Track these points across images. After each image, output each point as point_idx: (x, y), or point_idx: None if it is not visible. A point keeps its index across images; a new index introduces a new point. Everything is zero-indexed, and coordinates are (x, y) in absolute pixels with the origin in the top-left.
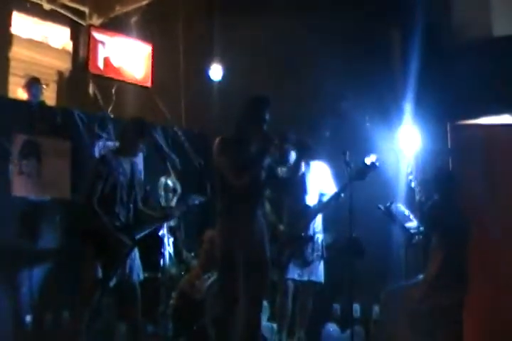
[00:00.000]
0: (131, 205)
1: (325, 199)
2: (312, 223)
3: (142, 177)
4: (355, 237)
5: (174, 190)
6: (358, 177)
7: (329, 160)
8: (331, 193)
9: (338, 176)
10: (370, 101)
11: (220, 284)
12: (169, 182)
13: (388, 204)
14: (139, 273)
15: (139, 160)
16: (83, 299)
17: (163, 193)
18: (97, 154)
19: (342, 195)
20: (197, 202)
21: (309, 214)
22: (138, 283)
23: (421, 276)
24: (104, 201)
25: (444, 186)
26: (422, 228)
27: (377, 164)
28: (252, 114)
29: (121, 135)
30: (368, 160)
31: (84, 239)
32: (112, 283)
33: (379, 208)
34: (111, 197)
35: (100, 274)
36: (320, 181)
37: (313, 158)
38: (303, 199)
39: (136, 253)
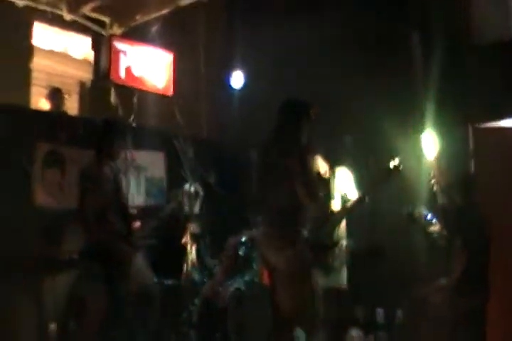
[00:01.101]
0: (122, 210)
1: (348, 204)
2: (336, 229)
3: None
4: (377, 242)
5: (196, 196)
6: (381, 180)
7: (351, 165)
8: (354, 198)
9: (360, 181)
10: (392, 104)
11: None
12: (192, 189)
13: (411, 208)
14: (150, 277)
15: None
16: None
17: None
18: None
19: (366, 199)
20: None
21: (333, 220)
22: (154, 287)
23: (443, 281)
24: (98, 213)
25: (466, 191)
26: (444, 232)
27: (400, 167)
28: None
29: (97, 141)
30: (392, 164)
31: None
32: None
33: (402, 212)
34: (102, 208)
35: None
36: (343, 186)
37: (337, 164)
38: (327, 206)
39: (140, 259)
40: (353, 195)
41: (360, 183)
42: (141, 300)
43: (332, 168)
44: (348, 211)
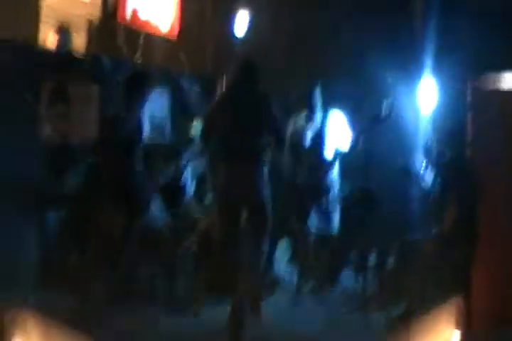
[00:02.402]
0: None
1: (342, 148)
2: (330, 173)
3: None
4: (370, 188)
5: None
6: (375, 122)
7: (348, 112)
8: (348, 142)
9: (355, 127)
10: (392, 55)
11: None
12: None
13: (406, 157)
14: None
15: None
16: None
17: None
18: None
19: (360, 142)
20: None
21: (328, 163)
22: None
23: (434, 230)
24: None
25: (459, 145)
26: (437, 183)
27: (393, 111)
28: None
29: (125, 89)
30: (384, 106)
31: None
32: (137, 231)
33: (397, 160)
34: (128, 151)
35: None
36: (337, 131)
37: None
38: (321, 149)
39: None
40: (347, 139)
41: (355, 126)
42: (152, 235)
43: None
44: (342, 154)
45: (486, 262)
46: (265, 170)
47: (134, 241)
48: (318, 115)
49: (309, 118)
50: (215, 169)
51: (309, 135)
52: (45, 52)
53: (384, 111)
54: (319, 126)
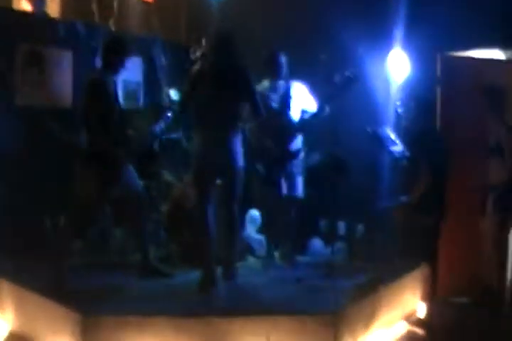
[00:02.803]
0: (120, 124)
1: (307, 116)
2: (296, 139)
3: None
4: (339, 157)
5: (173, 102)
6: (341, 89)
7: (316, 79)
8: (312, 110)
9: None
10: (362, 27)
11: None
12: (171, 93)
13: (375, 127)
14: (135, 183)
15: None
16: (77, 214)
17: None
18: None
19: (324, 111)
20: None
21: (295, 129)
22: (139, 191)
23: (404, 198)
24: (100, 120)
25: (424, 113)
26: (406, 152)
27: (355, 78)
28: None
29: (103, 56)
30: (346, 74)
31: (83, 157)
32: (112, 195)
33: (366, 131)
34: (106, 117)
35: (95, 190)
36: (301, 99)
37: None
38: (287, 116)
39: (129, 165)
40: (311, 107)
41: (319, 95)
42: (130, 202)
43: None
44: (309, 120)
45: (452, 231)
46: (240, 138)
47: (109, 204)
48: (284, 81)
49: (275, 84)
50: (190, 136)
51: (275, 101)
52: (18, 16)
53: (352, 79)
54: (285, 92)
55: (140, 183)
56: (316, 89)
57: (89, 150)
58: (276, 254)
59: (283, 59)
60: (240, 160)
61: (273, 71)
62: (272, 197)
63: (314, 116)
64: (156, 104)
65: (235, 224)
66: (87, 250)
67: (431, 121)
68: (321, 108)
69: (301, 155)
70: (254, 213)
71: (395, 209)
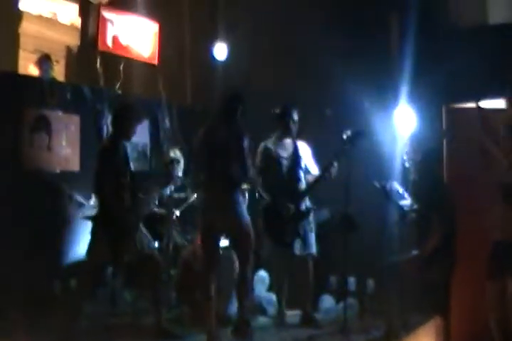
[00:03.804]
0: (130, 188)
1: (311, 178)
2: (307, 197)
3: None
4: (349, 213)
5: (177, 162)
6: (348, 145)
7: (322, 137)
8: (314, 172)
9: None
10: (368, 82)
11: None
12: (172, 154)
13: (383, 182)
14: (149, 245)
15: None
16: (87, 275)
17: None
18: (104, 129)
19: (335, 164)
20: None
21: (306, 188)
22: (153, 253)
23: (415, 252)
24: (111, 187)
25: (431, 167)
26: (414, 206)
27: (363, 132)
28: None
29: (114, 122)
30: (345, 135)
31: (95, 221)
32: (124, 258)
33: (374, 185)
34: (116, 183)
35: (106, 254)
36: (307, 159)
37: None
38: (298, 175)
39: (141, 227)
40: (313, 169)
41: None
42: (144, 264)
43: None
44: (319, 179)
45: (464, 283)
46: (243, 198)
47: (121, 267)
48: (291, 140)
49: (283, 141)
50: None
51: (283, 160)
52: (26, 81)
53: (360, 135)
54: (293, 150)
55: (154, 246)
56: (321, 145)
57: (102, 215)
58: (288, 313)
59: (296, 116)
60: (247, 220)
61: (285, 128)
62: (284, 257)
63: (320, 177)
64: (162, 165)
65: (246, 284)
66: (97, 312)
67: (438, 174)
68: (329, 164)
69: (313, 213)
70: (263, 273)
71: (406, 263)
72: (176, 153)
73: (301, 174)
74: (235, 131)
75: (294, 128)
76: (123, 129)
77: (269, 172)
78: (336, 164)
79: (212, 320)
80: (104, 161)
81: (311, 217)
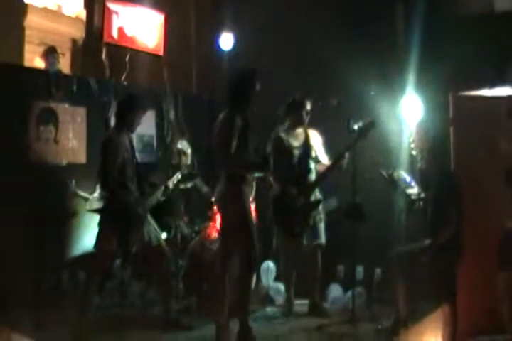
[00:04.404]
0: (136, 180)
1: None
2: (316, 187)
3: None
4: (357, 202)
5: (184, 153)
6: (359, 136)
7: (330, 129)
8: (324, 161)
9: (336, 143)
10: (375, 70)
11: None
12: (180, 146)
13: (390, 171)
14: (157, 236)
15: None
16: (95, 267)
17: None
18: (111, 121)
19: (346, 155)
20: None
21: (316, 180)
22: (162, 245)
23: (426, 241)
24: (116, 178)
25: (439, 155)
26: (422, 194)
27: (373, 123)
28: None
29: (118, 113)
30: (356, 126)
31: (102, 213)
32: (132, 250)
33: (382, 174)
34: (122, 174)
35: (115, 246)
36: (318, 149)
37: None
38: (308, 165)
39: (149, 219)
40: (323, 158)
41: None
42: (152, 255)
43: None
44: (329, 169)
45: (471, 272)
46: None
47: (129, 258)
48: (302, 129)
49: (294, 131)
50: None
51: (295, 150)
52: (32, 75)
53: (370, 125)
54: (305, 140)
55: (161, 237)
56: (327, 135)
57: (108, 207)
58: (296, 302)
59: (309, 105)
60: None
61: (298, 117)
62: (293, 247)
63: (331, 169)
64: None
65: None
66: (106, 304)
67: (446, 162)
68: (343, 153)
69: (321, 203)
70: (270, 263)
71: (420, 252)
72: (183, 144)
73: (312, 164)
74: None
75: (306, 117)
76: (127, 120)
77: (280, 161)
78: (347, 155)
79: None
80: (109, 153)
81: (321, 207)
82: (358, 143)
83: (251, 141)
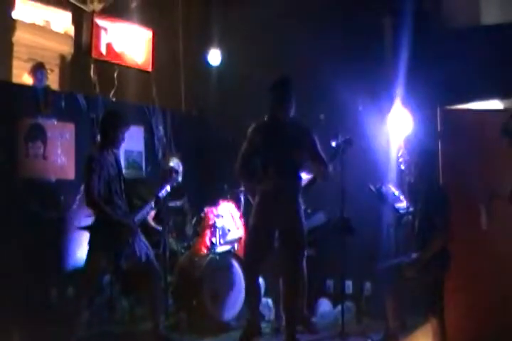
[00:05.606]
0: (124, 195)
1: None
2: None
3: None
4: (346, 217)
5: (176, 171)
6: (335, 153)
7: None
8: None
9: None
10: (362, 85)
11: None
12: (171, 164)
13: (379, 185)
14: (147, 252)
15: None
16: (85, 284)
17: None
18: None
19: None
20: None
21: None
22: (152, 261)
23: (414, 255)
24: (103, 194)
25: (427, 169)
26: (410, 208)
27: (350, 141)
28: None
29: (101, 130)
30: (343, 138)
31: (91, 230)
32: (123, 267)
33: (370, 189)
34: (107, 190)
35: (104, 262)
36: None
37: None
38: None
39: (139, 235)
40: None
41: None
42: (142, 271)
43: None
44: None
45: (459, 285)
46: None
47: (119, 274)
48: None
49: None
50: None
51: None
52: (20, 91)
53: (347, 143)
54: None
55: (152, 252)
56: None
57: (97, 224)
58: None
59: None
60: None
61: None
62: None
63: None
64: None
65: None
66: (95, 320)
67: (434, 176)
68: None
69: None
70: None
71: (408, 266)
72: (174, 162)
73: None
74: (296, 121)
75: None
76: (110, 137)
77: None
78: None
79: None
80: (93, 170)
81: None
82: (339, 159)
83: None
